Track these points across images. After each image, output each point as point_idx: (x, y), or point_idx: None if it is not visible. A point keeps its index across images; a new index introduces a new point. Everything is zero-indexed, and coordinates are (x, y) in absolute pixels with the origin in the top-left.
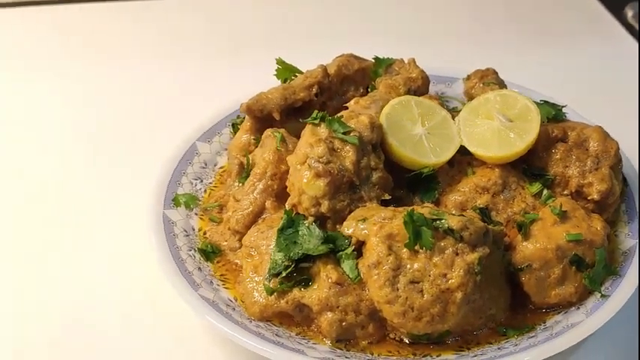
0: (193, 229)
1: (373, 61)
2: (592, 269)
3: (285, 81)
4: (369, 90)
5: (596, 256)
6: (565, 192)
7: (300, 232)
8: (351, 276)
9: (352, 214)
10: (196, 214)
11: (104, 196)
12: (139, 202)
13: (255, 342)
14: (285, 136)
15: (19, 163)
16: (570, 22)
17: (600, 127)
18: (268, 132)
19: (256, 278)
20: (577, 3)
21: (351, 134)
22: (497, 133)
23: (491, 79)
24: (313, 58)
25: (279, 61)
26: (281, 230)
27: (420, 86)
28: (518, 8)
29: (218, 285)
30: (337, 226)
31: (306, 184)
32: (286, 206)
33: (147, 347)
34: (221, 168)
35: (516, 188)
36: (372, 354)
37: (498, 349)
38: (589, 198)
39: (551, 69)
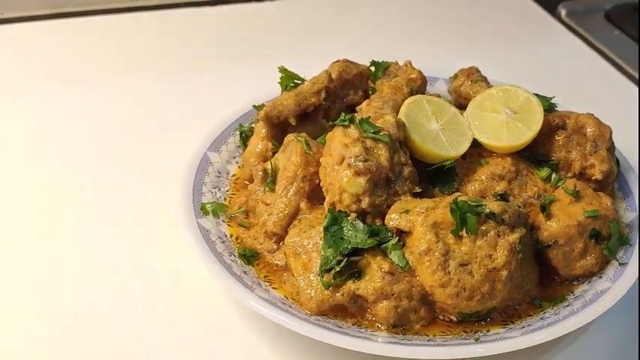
0: (226, 236)
1: (366, 65)
2: (609, 241)
3: (285, 88)
4: (369, 92)
5: (610, 229)
6: (569, 174)
7: (344, 229)
8: (400, 265)
9: (392, 207)
10: (223, 221)
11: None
12: (158, 211)
13: (326, 334)
14: (308, 139)
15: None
16: (510, 22)
17: (592, 114)
18: (291, 137)
19: (311, 276)
20: (514, 4)
21: (381, 133)
22: (505, 124)
23: (477, 77)
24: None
25: (282, 69)
26: (326, 228)
27: (419, 86)
28: (458, 11)
29: (266, 286)
30: (376, 220)
31: (347, 183)
32: (325, 205)
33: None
34: (233, 176)
35: (527, 174)
36: (428, 335)
37: (541, 319)
38: (593, 178)
39: (501, 67)
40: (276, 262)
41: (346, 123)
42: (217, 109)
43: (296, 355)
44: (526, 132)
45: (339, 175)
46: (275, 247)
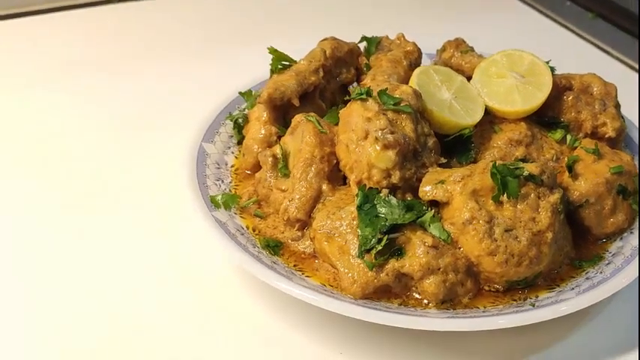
0: (242, 228)
1: (354, 42)
2: (635, 195)
3: (276, 69)
4: (363, 69)
5: (635, 184)
6: (580, 135)
7: (378, 206)
8: (442, 237)
9: (424, 179)
10: (235, 213)
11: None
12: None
13: (387, 316)
14: (318, 118)
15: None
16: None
17: (595, 73)
18: (300, 117)
19: (350, 259)
20: None
21: (402, 104)
22: (515, 89)
23: (466, 47)
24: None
25: (272, 50)
26: (360, 207)
27: (417, 58)
28: None
29: (300, 275)
30: (406, 195)
31: (376, 157)
32: (352, 184)
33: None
34: (232, 167)
35: (541, 137)
36: (479, 307)
37: (587, 279)
38: (606, 136)
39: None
40: (302, 249)
41: (364, 96)
42: (200, 97)
43: (340, 341)
44: (537, 94)
45: (366, 151)
46: (299, 234)
